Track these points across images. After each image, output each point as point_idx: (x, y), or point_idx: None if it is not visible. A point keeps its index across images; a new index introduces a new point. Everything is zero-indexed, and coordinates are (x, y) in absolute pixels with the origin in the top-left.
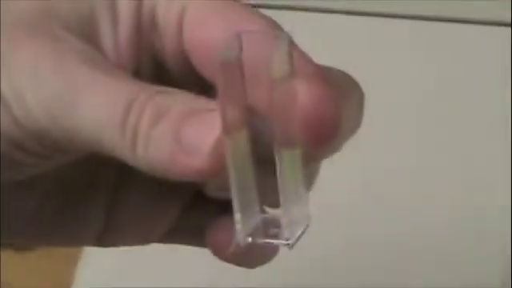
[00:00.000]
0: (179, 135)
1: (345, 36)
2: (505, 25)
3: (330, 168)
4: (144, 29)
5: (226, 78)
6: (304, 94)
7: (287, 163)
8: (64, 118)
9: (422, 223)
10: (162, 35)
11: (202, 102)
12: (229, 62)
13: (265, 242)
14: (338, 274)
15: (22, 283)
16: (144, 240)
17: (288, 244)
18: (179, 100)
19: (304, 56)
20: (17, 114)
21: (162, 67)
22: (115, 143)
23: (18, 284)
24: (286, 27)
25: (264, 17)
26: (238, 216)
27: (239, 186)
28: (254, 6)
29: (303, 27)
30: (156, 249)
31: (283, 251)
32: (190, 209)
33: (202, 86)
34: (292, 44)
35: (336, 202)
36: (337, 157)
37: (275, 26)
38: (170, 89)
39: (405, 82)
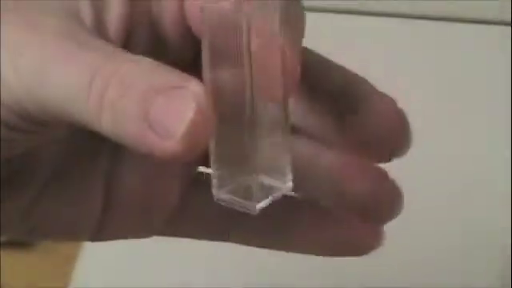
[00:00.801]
0: (146, 112)
1: (344, 35)
2: (505, 24)
3: None
4: None
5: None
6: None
7: (267, 125)
8: (37, 88)
9: (422, 223)
10: (160, 1)
11: (174, 74)
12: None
13: (234, 200)
14: (336, 273)
15: (20, 283)
16: (144, 231)
17: (254, 206)
18: (147, 70)
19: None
20: None
21: (158, 36)
22: (82, 114)
23: (16, 284)
24: None
25: None
26: (213, 172)
27: (219, 144)
28: None
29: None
30: (155, 248)
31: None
32: (189, 193)
33: (200, 56)
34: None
35: None
36: None
37: None
38: (139, 57)
39: (404, 80)
